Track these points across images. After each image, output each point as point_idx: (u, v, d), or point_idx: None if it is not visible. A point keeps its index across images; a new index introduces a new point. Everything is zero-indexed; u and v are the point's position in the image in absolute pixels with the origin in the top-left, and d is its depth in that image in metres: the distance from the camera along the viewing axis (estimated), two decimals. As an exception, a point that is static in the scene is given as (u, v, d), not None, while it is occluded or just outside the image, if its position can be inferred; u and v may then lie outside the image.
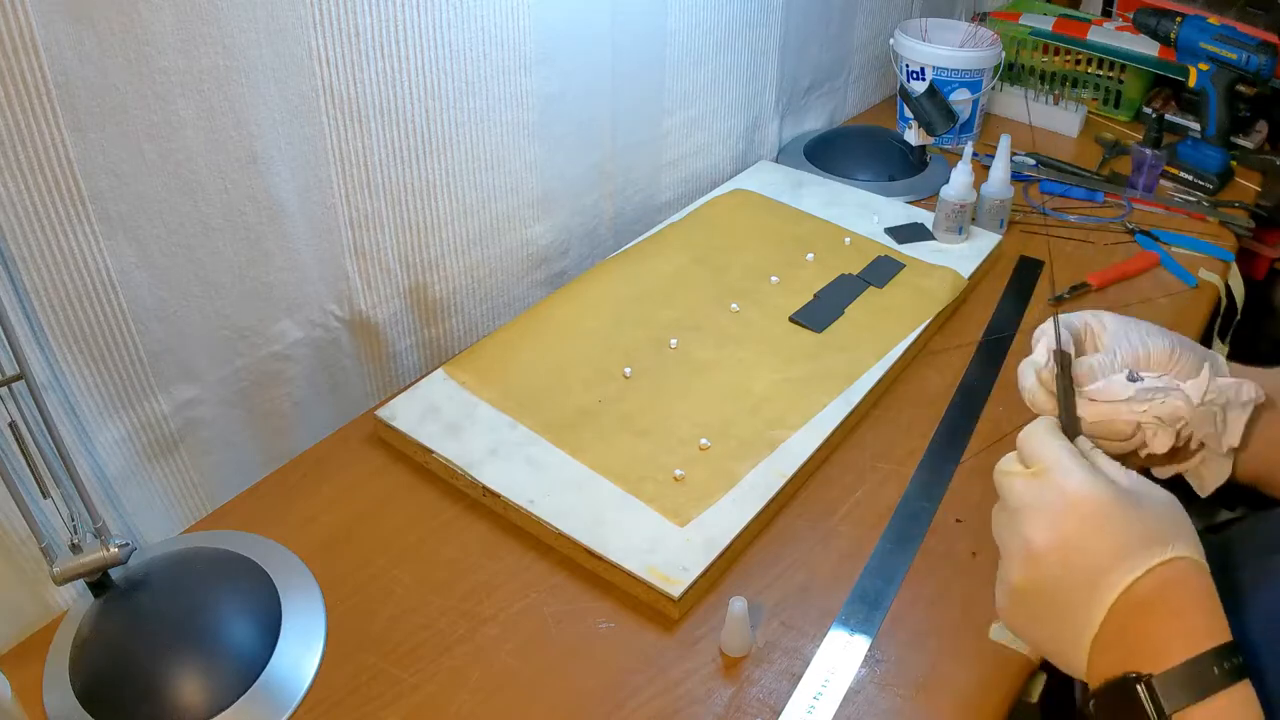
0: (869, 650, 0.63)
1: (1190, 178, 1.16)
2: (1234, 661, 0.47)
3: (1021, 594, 0.53)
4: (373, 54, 0.72)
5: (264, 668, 0.61)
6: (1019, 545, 0.53)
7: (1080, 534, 0.51)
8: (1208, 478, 0.64)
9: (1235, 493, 0.66)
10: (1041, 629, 0.54)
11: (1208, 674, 0.47)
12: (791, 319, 0.88)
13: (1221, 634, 0.48)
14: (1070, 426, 0.58)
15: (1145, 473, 0.58)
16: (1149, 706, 0.46)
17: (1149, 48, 1.23)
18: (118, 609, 0.63)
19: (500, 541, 0.71)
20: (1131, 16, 1.20)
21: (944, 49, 1.19)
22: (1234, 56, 1.08)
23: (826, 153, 1.21)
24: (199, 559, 0.68)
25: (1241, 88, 1.18)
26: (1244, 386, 0.59)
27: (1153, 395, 0.59)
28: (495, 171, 0.87)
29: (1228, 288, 1.01)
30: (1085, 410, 0.59)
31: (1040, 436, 0.55)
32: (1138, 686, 0.47)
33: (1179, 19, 1.13)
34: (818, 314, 0.89)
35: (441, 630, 0.64)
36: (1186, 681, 0.47)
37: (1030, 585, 0.53)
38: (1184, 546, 0.50)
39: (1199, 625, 0.48)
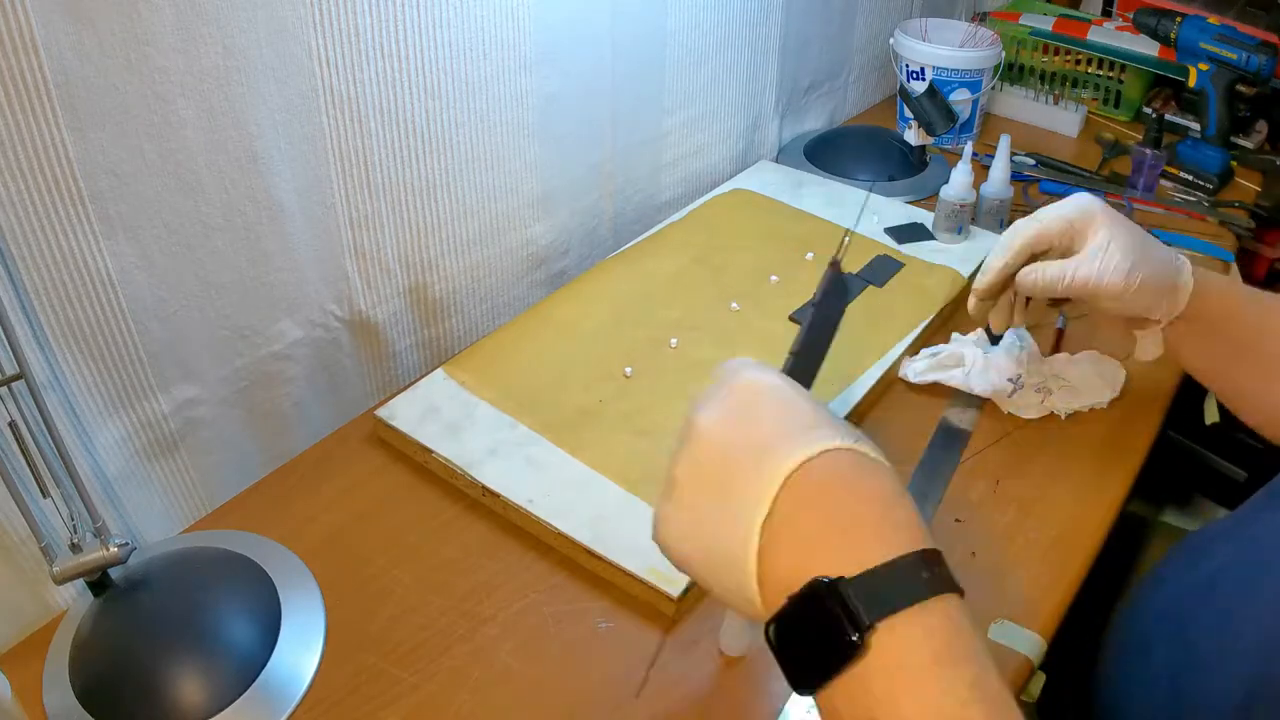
0: (869, 650, 0.63)
1: (1190, 178, 1.16)
2: (943, 570, 0.40)
3: (680, 487, 0.46)
4: (373, 54, 0.72)
5: (263, 667, 0.61)
6: (685, 434, 0.47)
7: (751, 409, 0.45)
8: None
9: (1235, 490, 0.66)
10: (702, 525, 0.45)
11: (915, 578, 0.39)
12: (791, 318, 0.88)
13: (925, 538, 0.41)
14: (799, 368, 0.52)
15: None
16: (843, 615, 0.39)
17: (1149, 48, 1.23)
18: (118, 609, 0.63)
19: (500, 541, 0.71)
20: (1131, 16, 1.20)
21: (944, 49, 1.19)
22: (1234, 56, 1.08)
23: (826, 153, 1.21)
24: (199, 559, 0.68)
25: (1241, 88, 1.18)
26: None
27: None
28: (495, 171, 0.87)
29: (1228, 288, 1.01)
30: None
31: (733, 361, 0.50)
32: (829, 592, 0.39)
33: (1179, 19, 1.13)
34: (818, 314, 0.89)
35: (441, 630, 0.64)
36: (890, 585, 0.39)
37: (689, 473, 0.46)
38: (869, 447, 0.44)
39: (896, 520, 0.41)
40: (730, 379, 0.47)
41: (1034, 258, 0.71)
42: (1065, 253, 0.69)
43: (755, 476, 0.43)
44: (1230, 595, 0.57)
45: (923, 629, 0.39)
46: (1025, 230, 0.69)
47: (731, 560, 0.43)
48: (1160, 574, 0.67)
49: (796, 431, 0.44)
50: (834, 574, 0.39)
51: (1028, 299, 0.75)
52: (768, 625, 0.42)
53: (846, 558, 0.40)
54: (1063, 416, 0.80)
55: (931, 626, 0.39)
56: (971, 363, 0.81)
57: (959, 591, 0.40)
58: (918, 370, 0.83)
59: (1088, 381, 0.80)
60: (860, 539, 0.41)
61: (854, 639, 0.38)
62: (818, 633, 0.39)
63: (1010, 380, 0.79)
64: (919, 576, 0.39)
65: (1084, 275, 0.66)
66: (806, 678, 0.41)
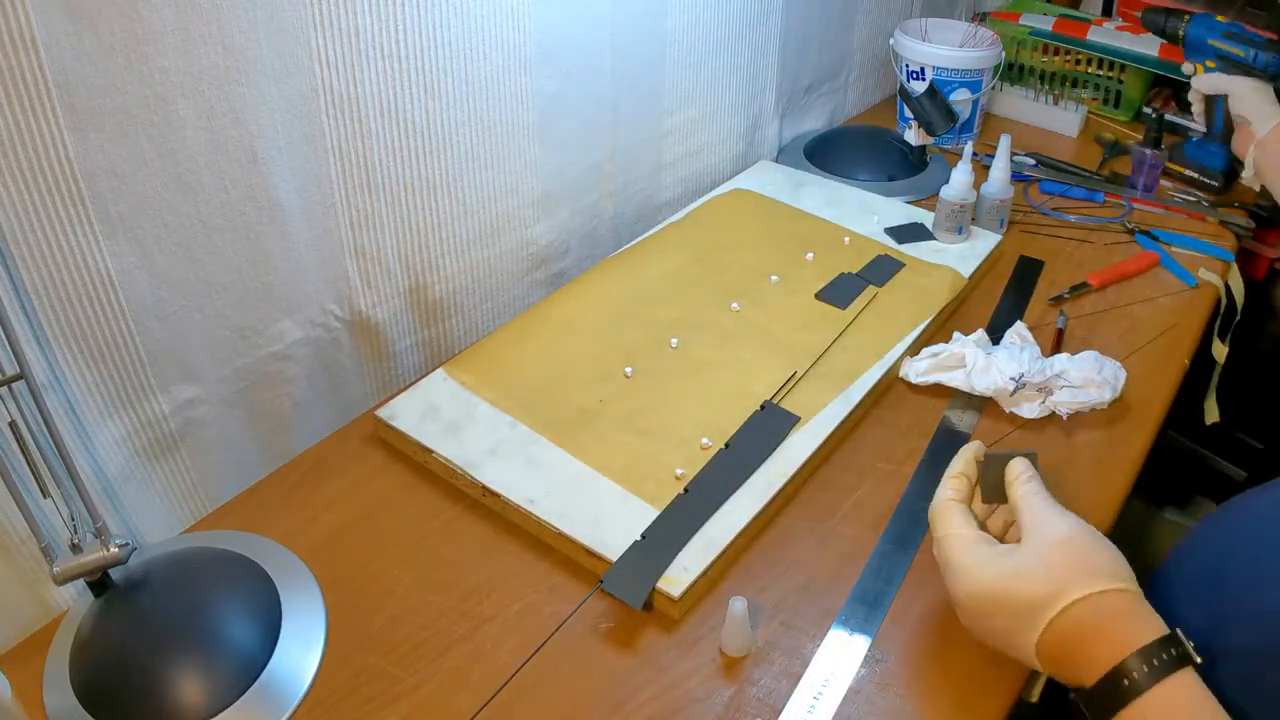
0: (869, 650, 0.63)
1: (1196, 176, 1.16)
2: (1180, 649, 0.51)
3: (965, 616, 0.59)
4: (373, 54, 0.72)
5: (264, 668, 0.61)
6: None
7: (990, 595, 0.57)
8: None
9: (1235, 490, 0.66)
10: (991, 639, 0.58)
11: (1158, 657, 0.50)
12: (818, 296, 0.89)
13: (1160, 628, 0.52)
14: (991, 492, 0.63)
15: None
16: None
17: (1149, 48, 1.23)
18: (118, 609, 0.63)
19: (500, 541, 0.71)
20: (1139, 15, 1.19)
21: (944, 49, 1.19)
22: (1242, 54, 1.08)
23: (826, 153, 1.21)
24: (199, 559, 0.68)
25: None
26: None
27: None
28: (495, 171, 0.87)
29: (1227, 288, 1.01)
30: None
31: (942, 510, 0.62)
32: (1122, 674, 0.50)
33: (1187, 17, 1.13)
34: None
35: (441, 630, 0.64)
36: (1144, 665, 0.50)
37: (967, 619, 0.59)
38: (1101, 581, 0.54)
39: (1140, 628, 0.52)
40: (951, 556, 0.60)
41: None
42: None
43: (1025, 628, 0.55)
44: (1263, 555, 0.58)
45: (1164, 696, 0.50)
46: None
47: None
48: (1184, 546, 0.68)
49: (1046, 600, 0.55)
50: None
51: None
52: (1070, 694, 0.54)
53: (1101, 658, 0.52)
54: (1064, 416, 0.80)
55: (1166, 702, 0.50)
56: (973, 363, 0.81)
57: (1193, 664, 0.50)
58: (919, 370, 0.83)
59: (1088, 381, 0.80)
60: (1110, 652, 0.52)
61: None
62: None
63: (1013, 379, 0.79)
64: (1161, 657, 0.50)
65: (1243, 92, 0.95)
66: None
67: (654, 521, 0.69)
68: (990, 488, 0.63)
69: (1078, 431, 0.80)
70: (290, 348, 0.77)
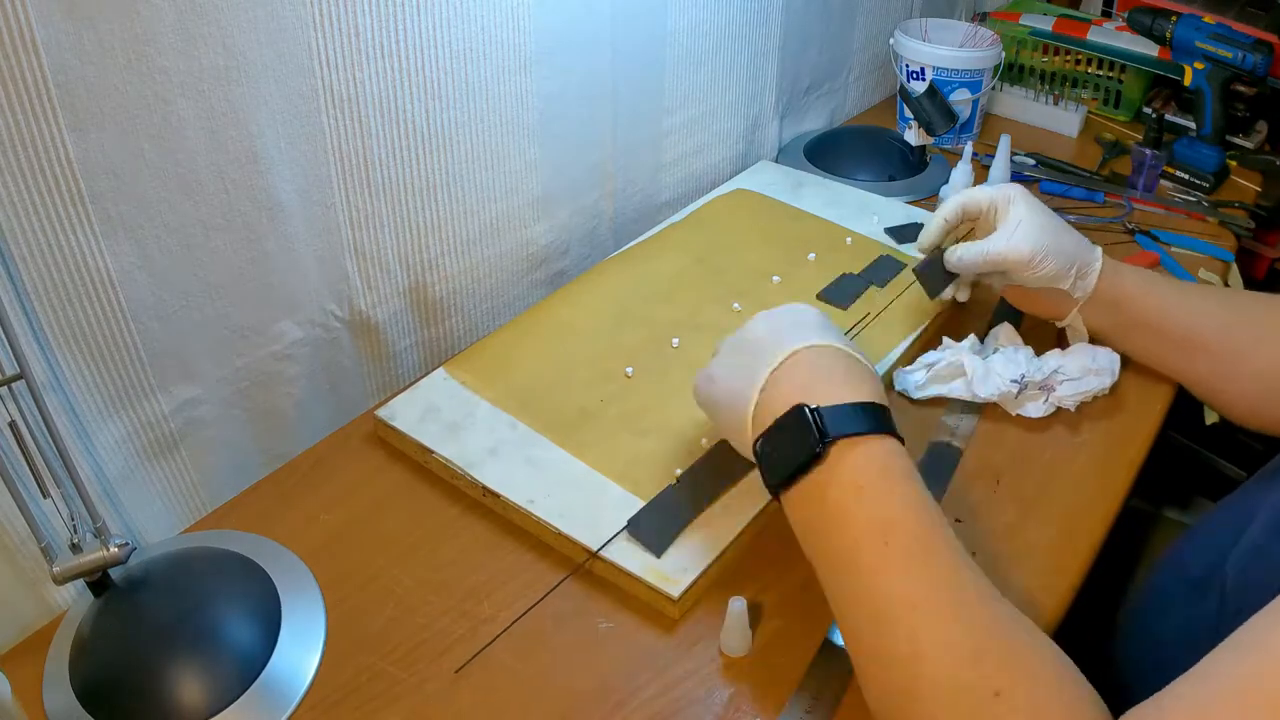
0: (869, 650, 0.63)
1: (1186, 176, 1.16)
2: (890, 424, 0.56)
3: (720, 353, 0.64)
4: (373, 54, 0.72)
5: (264, 668, 0.61)
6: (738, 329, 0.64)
7: (788, 318, 0.63)
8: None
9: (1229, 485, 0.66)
10: (728, 377, 0.62)
11: (868, 417, 0.55)
12: (819, 296, 0.89)
13: (882, 398, 0.58)
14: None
15: None
16: (814, 427, 0.54)
17: (1149, 48, 1.23)
18: (117, 609, 0.63)
19: (500, 541, 0.71)
20: (1125, 16, 1.20)
21: (944, 49, 1.19)
22: (1229, 55, 1.08)
23: (826, 153, 1.21)
24: (199, 559, 0.68)
25: (1240, 87, 1.18)
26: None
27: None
28: (495, 171, 0.87)
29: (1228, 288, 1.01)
30: None
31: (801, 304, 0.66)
32: (805, 410, 0.55)
33: (1174, 18, 1.13)
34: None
35: (441, 630, 0.64)
36: (848, 416, 0.55)
37: (731, 346, 0.64)
38: (861, 355, 0.61)
39: (861, 387, 0.57)
40: (791, 307, 0.64)
41: (967, 237, 0.84)
42: (987, 232, 0.80)
43: (773, 348, 0.60)
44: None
45: (869, 453, 0.55)
46: (959, 196, 0.83)
47: (740, 396, 0.60)
48: (1184, 546, 0.68)
49: (810, 333, 0.61)
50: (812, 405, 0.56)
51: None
52: (756, 439, 0.58)
53: (823, 398, 0.56)
54: (1073, 409, 0.80)
55: (876, 453, 0.55)
56: (973, 371, 0.80)
57: (900, 439, 0.57)
58: (917, 383, 0.82)
59: (1086, 371, 0.80)
60: (835, 389, 0.57)
61: (818, 449, 0.54)
62: (792, 442, 0.56)
63: (1014, 382, 0.78)
64: (874, 418, 0.56)
65: (996, 249, 0.78)
66: (779, 477, 0.57)
67: (688, 470, 0.72)
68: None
69: (1077, 431, 0.80)
70: (290, 348, 0.77)
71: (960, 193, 0.83)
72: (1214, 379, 0.78)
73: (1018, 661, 0.48)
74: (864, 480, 0.54)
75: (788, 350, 0.59)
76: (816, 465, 0.54)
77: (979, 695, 0.46)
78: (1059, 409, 0.80)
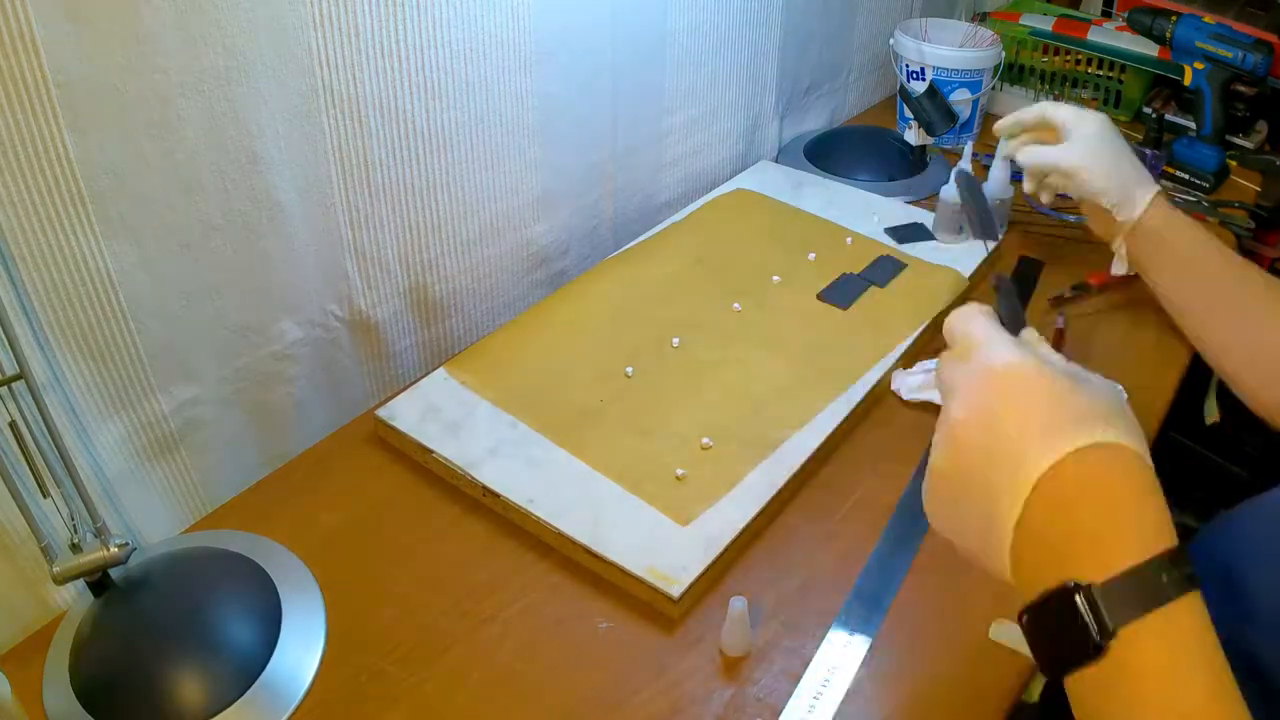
0: (869, 650, 0.63)
1: (1186, 176, 1.16)
2: (1184, 569, 0.41)
3: (942, 476, 0.48)
4: (373, 54, 0.72)
5: (264, 668, 0.61)
6: (942, 425, 0.49)
7: (1003, 405, 0.46)
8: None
9: (1236, 490, 0.66)
10: (962, 516, 0.47)
11: (1156, 582, 0.40)
12: (819, 296, 0.89)
13: (1169, 537, 0.42)
14: (1010, 322, 0.52)
15: None
16: (1090, 620, 0.40)
17: (1149, 48, 1.23)
18: (117, 609, 0.63)
19: (500, 541, 0.71)
20: (1125, 16, 1.19)
21: (944, 49, 1.19)
22: (1229, 55, 1.08)
23: (826, 153, 1.21)
24: (199, 559, 0.68)
25: (1240, 87, 1.18)
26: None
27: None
28: (495, 171, 0.87)
29: (1228, 288, 1.01)
30: None
31: (968, 316, 0.51)
32: (1076, 597, 0.41)
33: (1174, 18, 1.13)
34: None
35: (441, 630, 0.64)
36: (1133, 591, 0.40)
37: (950, 465, 0.47)
38: (1123, 433, 0.43)
39: (1143, 522, 0.42)
40: (979, 363, 0.48)
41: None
42: (1055, 141, 0.86)
43: (1009, 483, 0.44)
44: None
45: (1162, 636, 0.40)
46: (1044, 104, 0.89)
47: (988, 556, 0.46)
48: (1191, 549, 0.67)
49: (1046, 430, 0.44)
50: (1083, 578, 0.41)
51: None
52: (1021, 613, 0.44)
53: (1094, 564, 0.41)
54: None
55: (1170, 632, 0.41)
56: None
57: (1198, 586, 0.41)
58: (911, 387, 0.82)
59: None
60: (1107, 546, 0.42)
61: (1097, 643, 0.40)
62: (1065, 632, 0.42)
63: None
64: (1160, 581, 0.40)
65: (1070, 156, 0.83)
66: (1053, 668, 0.44)
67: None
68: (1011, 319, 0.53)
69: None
70: (290, 347, 0.77)
71: (1045, 103, 0.90)
72: (1224, 350, 0.79)
73: None
74: (1155, 669, 0.41)
75: (1027, 489, 0.43)
76: (1096, 662, 0.41)
77: None
78: None
